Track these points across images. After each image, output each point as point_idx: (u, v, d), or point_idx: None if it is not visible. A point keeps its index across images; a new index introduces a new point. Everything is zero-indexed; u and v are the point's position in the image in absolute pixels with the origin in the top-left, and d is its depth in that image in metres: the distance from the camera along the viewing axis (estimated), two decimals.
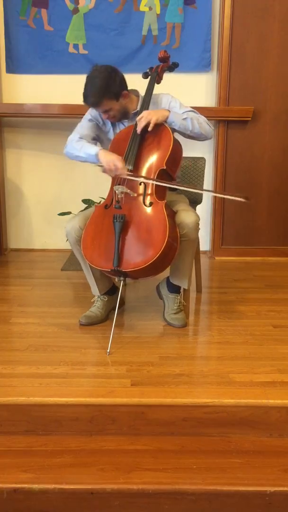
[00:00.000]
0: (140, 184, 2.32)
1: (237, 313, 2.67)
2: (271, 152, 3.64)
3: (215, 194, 2.13)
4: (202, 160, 2.90)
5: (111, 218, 2.27)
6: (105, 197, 2.47)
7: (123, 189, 2.29)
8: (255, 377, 2.02)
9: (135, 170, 2.34)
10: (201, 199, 2.90)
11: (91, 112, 2.54)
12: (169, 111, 2.38)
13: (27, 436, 1.84)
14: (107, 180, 3.60)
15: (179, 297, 2.57)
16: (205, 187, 2.96)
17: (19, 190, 3.88)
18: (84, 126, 2.53)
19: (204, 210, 3.62)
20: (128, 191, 2.29)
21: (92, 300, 2.61)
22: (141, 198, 2.31)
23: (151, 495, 1.62)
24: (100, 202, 2.88)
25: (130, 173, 2.31)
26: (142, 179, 2.30)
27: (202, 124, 2.44)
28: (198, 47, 3.57)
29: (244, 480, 1.65)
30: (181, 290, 2.58)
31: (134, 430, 1.86)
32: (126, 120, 2.52)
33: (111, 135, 2.56)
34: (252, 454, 1.77)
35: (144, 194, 2.31)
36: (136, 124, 2.36)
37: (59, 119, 3.65)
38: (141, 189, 2.32)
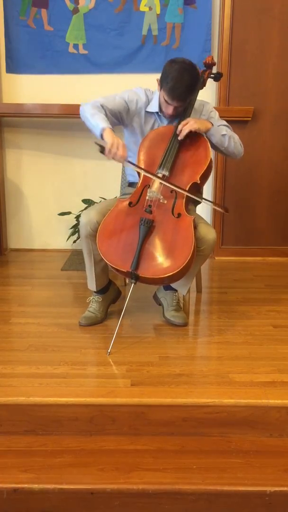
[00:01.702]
0: (171, 192, 2.29)
1: (237, 313, 2.67)
2: (271, 152, 3.64)
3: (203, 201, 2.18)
4: None
5: (136, 219, 2.24)
6: (105, 196, 2.45)
7: (158, 194, 2.26)
8: (255, 377, 2.02)
9: (170, 177, 2.30)
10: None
11: (129, 95, 2.43)
12: (212, 124, 2.37)
13: (27, 436, 1.85)
14: (107, 181, 3.61)
15: (176, 293, 2.57)
16: (205, 186, 2.96)
17: (19, 190, 3.88)
18: (116, 100, 2.40)
19: (204, 210, 3.61)
20: (161, 197, 2.26)
21: (87, 301, 2.61)
22: (170, 206, 2.27)
23: (151, 495, 1.62)
24: (100, 201, 2.87)
25: (161, 178, 2.27)
26: (176, 188, 2.25)
27: (237, 143, 2.45)
28: (198, 47, 3.56)
29: (244, 480, 1.65)
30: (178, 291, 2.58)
31: (134, 430, 1.86)
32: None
33: (147, 127, 2.47)
34: (252, 454, 1.77)
35: (174, 204, 2.28)
36: (176, 128, 2.32)
37: (59, 119, 3.65)
38: (172, 197, 2.29)
